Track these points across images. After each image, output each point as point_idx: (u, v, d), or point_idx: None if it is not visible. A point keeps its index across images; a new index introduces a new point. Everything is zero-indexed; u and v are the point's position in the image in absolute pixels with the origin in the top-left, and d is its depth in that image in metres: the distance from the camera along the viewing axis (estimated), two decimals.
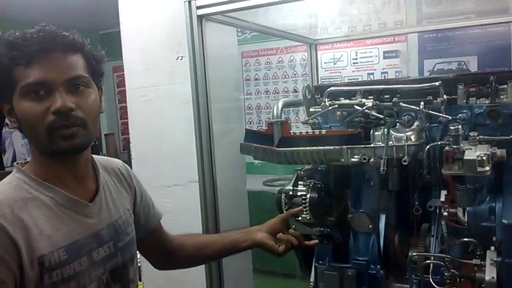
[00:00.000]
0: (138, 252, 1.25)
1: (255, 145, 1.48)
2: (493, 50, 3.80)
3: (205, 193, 1.62)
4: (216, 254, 1.45)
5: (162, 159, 1.72)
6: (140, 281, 2.09)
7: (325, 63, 4.43)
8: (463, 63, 3.98)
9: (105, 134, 5.35)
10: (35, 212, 0.97)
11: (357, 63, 4.35)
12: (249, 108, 4.89)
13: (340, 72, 4.40)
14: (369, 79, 4.19)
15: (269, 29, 2.06)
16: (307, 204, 1.45)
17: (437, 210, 1.36)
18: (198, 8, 1.53)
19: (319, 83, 2.93)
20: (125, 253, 1.12)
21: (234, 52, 1.98)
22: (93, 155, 1.14)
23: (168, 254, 1.37)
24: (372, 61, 4.34)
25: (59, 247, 0.97)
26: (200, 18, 1.53)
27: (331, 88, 1.45)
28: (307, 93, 1.60)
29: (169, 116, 1.69)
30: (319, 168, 1.55)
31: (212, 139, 1.62)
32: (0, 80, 0.97)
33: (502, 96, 1.29)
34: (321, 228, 1.51)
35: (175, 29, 1.65)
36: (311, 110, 1.57)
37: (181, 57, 1.52)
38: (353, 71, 4.37)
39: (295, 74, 4.59)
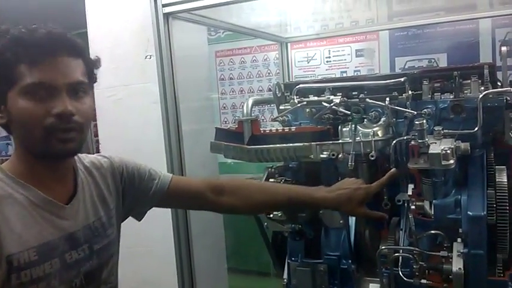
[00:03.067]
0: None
1: (225, 143, 1.48)
2: (462, 47, 3.88)
3: None
4: (281, 198, 1.33)
5: (135, 158, 1.70)
6: None
7: (298, 61, 4.45)
8: (433, 60, 4.06)
9: None
10: (8, 209, 0.95)
11: (330, 61, 4.38)
12: (224, 107, 4.88)
13: (314, 71, 4.42)
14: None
15: (239, 27, 2.06)
16: None
17: (406, 204, 1.38)
18: (164, 6, 1.52)
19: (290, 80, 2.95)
20: (101, 256, 1.10)
21: (204, 51, 1.98)
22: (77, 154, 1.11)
23: (217, 194, 1.29)
24: (345, 59, 4.37)
25: (29, 247, 0.95)
26: (166, 16, 1.52)
27: (300, 85, 1.46)
28: (277, 91, 1.60)
29: (139, 115, 1.67)
30: (290, 165, 1.56)
31: (181, 138, 1.61)
32: None
33: (465, 91, 1.32)
34: (293, 225, 1.51)
35: (144, 28, 1.63)
36: (281, 107, 1.58)
37: (150, 55, 1.50)
38: (326, 69, 4.40)
39: (269, 73, 4.60)
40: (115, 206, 1.18)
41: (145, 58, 1.63)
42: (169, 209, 1.67)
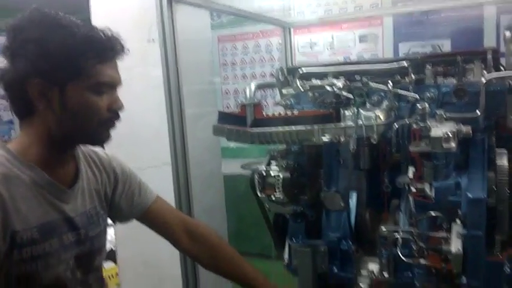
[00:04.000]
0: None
1: (228, 127, 1.49)
2: (466, 33, 3.87)
3: (178, 175, 1.64)
4: (227, 275, 1.45)
5: (136, 142, 1.72)
6: (115, 263, 2.10)
7: (301, 47, 4.44)
8: (437, 46, 4.05)
9: None
10: (14, 189, 0.99)
11: (333, 47, 4.38)
12: (227, 93, 4.88)
13: (317, 57, 4.41)
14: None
15: (242, 11, 2.05)
16: (280, 183, 1.47)
17: (406, 187, 1.40)
18: None
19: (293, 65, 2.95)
20: (94, 242, 1.16)
21: (207, 35, 1.98)
22: None
23: (188, 235, 1.38)
24: (348, 45, 4.36)
25: (32, 226, 0.99)
26: (170, 0, 1.53)
27: (303, 69, 1.47)
28: (280, 75, 1.61)
29: (142, 98, 1.68)
30: (292, 149, 1.58)
31: (184, 122, 1.62)
32: (63, 64, 0.99)
33: (468, 76, 1.33)
34: (294, 207, 1.53)
35: (146, 11, 1.64)
36: (284, 91, 1.59)
37: (153, 39, 1.51)
38: (329, 55, 4.39)
39: (272, 59, 4.59)
40: (105, 200, 1.24)
41: (149, 42, 1.63)
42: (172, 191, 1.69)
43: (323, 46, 4.40)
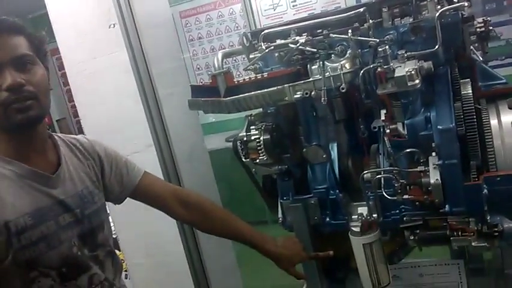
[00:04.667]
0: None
1: (202, 99, 1.52)
2: None
3: (163, 155, 1.67)
4: (226, 234, 1.57)
5: (116, 130, 1.74)
6: (119, 250, 2.15)
7: (265, 10, 4.42)
8: None
9: (57, 120, 5.23)
10: None
11: (296, 5, 4.36)
12: (199, 68, 4.87)
13: (282, 18, 4.40)
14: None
15: None
16: (261, 146, 1.52)
17: (381, 129, 1.45)
18: None
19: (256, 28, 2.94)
20: (92, 220, 1.21)
21: (167, 12, 1.97)
22: (54, 133, 1.22)
23: (178, 207, 1.45)
24: (310, 1, 4.36)
25: (23, 213, 1.04)
26: None
27: (265, 31, 1.49)
28: (245, 40, 1.63)
29: (113, 86, 1.69)
30: (268, 111, 1.62)
31: (159, 102, 1.64)
32: None
33: (423, 12, 1.36)
34: (280, 167, 1.58)
35: None
36: (251, 56, 1.61)
37: (113, 24, 1.51)
38: (294, 14, 4.38)
39: (237, 27, 4.56)
40: (97, 181, 1.29)
41: (109, 27, 1.62)
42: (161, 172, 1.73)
43: (286, 6, 4.38)
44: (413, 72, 1.21)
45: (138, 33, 1.58)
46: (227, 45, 4.66)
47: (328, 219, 1.60)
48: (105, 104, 1.72)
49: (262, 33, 1.48)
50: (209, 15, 4.71)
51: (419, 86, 1.23)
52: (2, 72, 1.03)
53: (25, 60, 1.07)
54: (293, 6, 4.38)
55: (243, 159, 1.57)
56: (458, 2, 1.36)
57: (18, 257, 1.03)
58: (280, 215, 1.69)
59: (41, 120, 1.12)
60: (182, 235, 1.76)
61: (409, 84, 1.22)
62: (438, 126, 1.28)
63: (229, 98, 1.48)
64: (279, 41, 1.48)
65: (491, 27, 1.46)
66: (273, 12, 4.44)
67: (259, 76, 1.47)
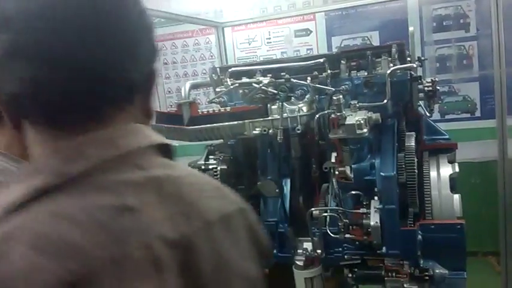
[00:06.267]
0: None
1: (165, 126, 1.58)
2: (392, 25, 4.13)
3: None
4: None
5: None
6: None
7: (240, 43, 4.56)
8: (366, 38, 4.30)
9: None
10: (6, 179, 1.06)
11: (271, 42, 4.53)
12: (169, 91, 4.92)
13: (256, 52, 4.54)
14: (285, 57, 4.39)
15: (171, 14, 2.12)
16: (218, 176, 1.59)
17: (331, 170, 1.55)
18: None
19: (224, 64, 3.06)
20: None
21: None
22: None
23: None
24: (291, 39, 4.53)
25: None
26: None
27: (232, 69, 1.58)
28: (213, 74, 1.72)
29: None
30: (228, 143, 1.69)
31: None
32: None
33: (378, 68, 1.50)
34: None
35: None
36: (217, 89, 1.70)
37: None
38: (267, 50, 4.53)
39: (211, 56, 4.68)
40: None
41: None
42: None
43: (261, 41, 4.54)
44: (362, 121, 1.32)
45: None
46: (200, 71, 4.76)
47: (275, 251, 1.66)
48: None
49: (229, 70, 1.58)
50: (186, 42, 4.81)
51: (366, 134, 1.34)
52: None
53: None
54: (267, 43, 4.54)
55: None
56: (410, 62, 1.51)
57: None
58: None
59: None
60: None
61: (357, 132, 1.32)
62: (381, 173, 1.39)
63: (191, 127, 1.55)
64: (244, 79, 1.57)
65: (438, 87, 1.61)
66: (247, 46, 4.58)
67: (222, 109, 1.55)
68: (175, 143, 1.88)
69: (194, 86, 1.70)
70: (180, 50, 4.82)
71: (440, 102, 4.10)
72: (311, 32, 4.44)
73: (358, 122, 1.32)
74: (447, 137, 1.64)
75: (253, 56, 4.52)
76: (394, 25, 4.08)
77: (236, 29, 4.37)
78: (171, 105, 4.81)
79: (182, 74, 4.86)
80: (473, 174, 3.84)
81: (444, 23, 3.97)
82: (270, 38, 4.52)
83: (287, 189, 1.70)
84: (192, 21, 2.44)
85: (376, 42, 4.13)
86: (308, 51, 4.42)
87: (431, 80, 1.57)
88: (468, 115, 4.04)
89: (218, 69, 1.74)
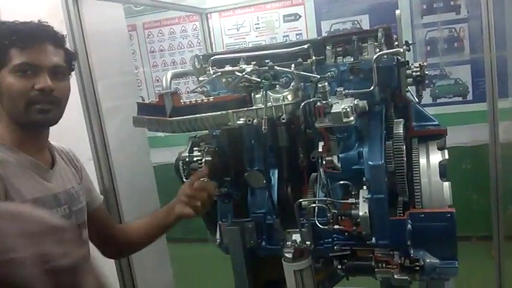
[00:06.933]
0: None
1: (147, 117, 1.53)
2: (382, 8, 4.08)
3: (101, 169, 1.66)
4: (150, 235, 1.60)
5: (58, 141, 1.71)
6: None
7: (228, 30, 4.49)
8: (356, 22, 4.24)
9: None
10: (5, 170, 1.13)
11: (259, 28, 4.46)
12: (158, 80, 4.85)
13: (244, 38, 4.48)
14: (271, 43, 4.33)
15: (154, 1, 2.06)
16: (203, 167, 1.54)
17: (319, 160, 1.51)
18: None
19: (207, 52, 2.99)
20: (78, 217, 1.31)
21: (122, 26, 1.97)
22: None
23: (112, 241, 1.53)
24: (273, 25, 4.46)
25: (26, 200, 1.13)
26: None
27: (214, 57, 1.53)
28: (196, 62, 1.66)
29: None
30: (214, 133, 1.65)
31: (102, 116, 1.64)
32: None
33: (364, 54, 1.44)
34: (220, 189, 1.61)
35: (57, 8, 1.62)
36: (200, 78, 1.64)
37: (65, 35, 1.51)
38: (256, 36, 4.47)
39: (199, 43, 4.60)
40: (80, 183, 1.41)
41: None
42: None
43: (249, 27, 4.47)
44: (348, 109, 1.28)
45: (85, 46, 1.58)
46: (188, 59, 4.69)
47: (264, 243, 1.63)
48: None
49: (211, 58, 1.52)
50: (173, 29, 4.73)
51: (353, 122, 1.29)
52: (39, 74, 1.16)
53: (59, 71, 1.22)
54: (256, 28, 4.47)
55: (184, 180, 1.59)
56: (399, 47, 1.46)
57: None
58: (218, 236, 1.71)
59: (55, 123, 1.26)
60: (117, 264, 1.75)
61: (344, 121, 1.28)
62: (369, 162, 1.35)
63: (174, 119, 1.49)
64: (227, 67, 1.51)
65: (426, 72, 1.56)
66: (236, 32, 4.51)
67: (205, 99, 1.50)
68: (159, 134, 1.84)
69: (176, 75, 1.64)
70: (167, 38, 4.74)
71: (432, 86, 4.10)
72: (300, 16, 4.37)
73: (345, 110, 1.28)
74: (437, 123, 1.60)
75: (242, 42, 4.46)
76: (384, 8, 4.03)
77: (224, 14, 4.30)
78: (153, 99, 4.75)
79: (170, 62, 4.79)
80: (465, 158, 3.84)
81: (434, 5, 3.92)
82: (258, 24, 4.45)
83: (275, 179, 1.66)
84: (174, 7, 2.37)
85: (366, 26, 4.08)
86: (297, 36, 4.37)
87: (420, 64, 1.52)
88: (460, 99, 4.02)
89: (201, 57, 1.68)
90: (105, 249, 1.52)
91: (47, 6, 1.63)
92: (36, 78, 1.16)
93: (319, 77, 1.36)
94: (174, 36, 4.72)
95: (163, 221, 1.55)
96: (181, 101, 1.52)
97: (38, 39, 1.17)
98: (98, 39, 1.63)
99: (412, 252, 1.40)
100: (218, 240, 1.71)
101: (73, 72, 1.61)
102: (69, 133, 1.72)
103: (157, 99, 1.54)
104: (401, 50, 1.35)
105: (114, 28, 1.87)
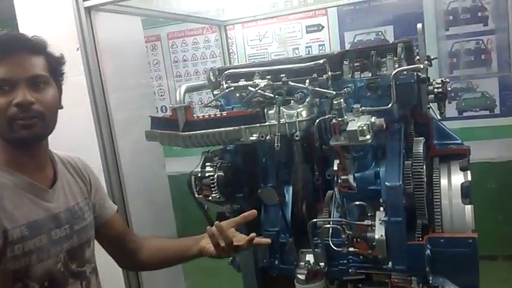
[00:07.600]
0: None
1: (159, 131, 1.51)
2: (407, 19, 3.98)
3: (111, 180, 1.65)
4: (168, 260, 1.47)
5: (69, 151, 1.72)
6: None
7: (251, 40, 4.47)
8: (380, 33, 4.16)
9: None
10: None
11: (282, 39, 4.42)
12: None
13: (266, 49, 4.45)
14: (295, 54, 4.29)
15: (171, 14, 2.05)
16: (215, 183, 1.51)
17: (335, 178, 1.46)
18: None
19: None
20: (81, 235, 1.24)
21: (139, 38, 1.97)
22: (51, 150, 1.26)
23: (128, 253, 1.43)
24: (296, 36, 4.42)
25: (20, 224, 1.08)
26: (88, 9, 1.53)
27: (229, 71, 1.50)
28: (211, 76, 1.64)
29: (71, 108, 1.67)
30: (227, 148, 1.61)
31: (113, 127, 1.63)
32: None
33: (382, 69, 1.39)
34: (232, 205, 1.57)
35: (73, 21, 1.62)
36: (215, 92, 1.62)
37: (78, 48, 1.51)
38: (278, 47, 4.44)
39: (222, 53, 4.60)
40: (88, 197, 1.33)
41: (77, 50, 1.62)
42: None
43: (272, 38, 4.44)
44: (365, 127, 1.23)
45: (98, 58, 1.57)
46: None
47: (276, 262, 1.58)
48: (60, 125, 1.71)
49: (225, 72, 1.49)
50: (196, 39, 4.74)
51: (370, 141, 1.24)
52: (15, 88, 1.08)
53: (39, 80, 1.12)
54: (278, 39, 4.44)
55: (196, 195, 1.56)
56: (418, 62, 1.40)
57: (8, 266, 1.06)
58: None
59: (44, 137, 1.18)
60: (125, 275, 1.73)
61: (360, 139, 1.23)
62: (386, 183, 1.29)
63: (186, 133, 1.47)
64: (241, 82, 1.48)
65: (449, 88, 1.49)
66: (258, 43, 4.49)
67: (218, 114, 1.47)
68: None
69: (190, 89, 1.62)
70: (190, 48, 4.76)
71: (458, 99, 3.97)
72: (323, 27, 4.32)
73: (361, 128, 1.23)
74: (459, 141, 1.53)
75: (264, 53, 4.43)
76: (409, 19, 3.93)
77: (246, 25, 4.28)
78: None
79: (193, 72, 4.80)
80: (492, 174, 3.69)
81: (461, 17, 3.81)
82: (281, 35, 4.42)
83: (289, 196, 1.61)
84: (192, 20, 2.36)
85: (390, 37, 4.00)
86: (320, 47, 4.31)
87: (442, 80, 1.45)
88: (487, 112, 3.88)
89: (217, 70, 1.65)
90: (120, 259, 1.45)
91: (64, 17, 1.63)
92: (14, 92, 1.08)
93: (334, 93, 1.32)
94: (197, 47, 4.73)
95: (185, 250, 1.40)
96: (194, 115, 1.50)
97: (10, 51, 1.09)
98: (112, 52, 1.63)
99: (431, 278, 1.33)
100: (230, 258, 1.67)
101: (84, 83, 1.61)
102: (80, 145, 1.72)
103: (171, 113, 1.52)
104: (422, 67, 1.29)
105: (130, 40, 1.87)
